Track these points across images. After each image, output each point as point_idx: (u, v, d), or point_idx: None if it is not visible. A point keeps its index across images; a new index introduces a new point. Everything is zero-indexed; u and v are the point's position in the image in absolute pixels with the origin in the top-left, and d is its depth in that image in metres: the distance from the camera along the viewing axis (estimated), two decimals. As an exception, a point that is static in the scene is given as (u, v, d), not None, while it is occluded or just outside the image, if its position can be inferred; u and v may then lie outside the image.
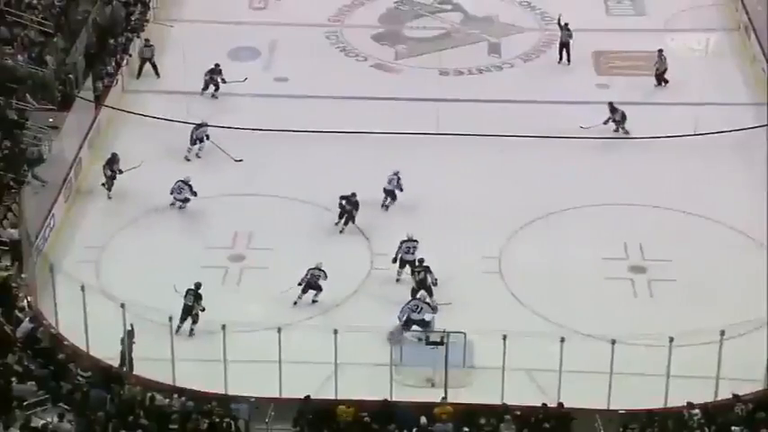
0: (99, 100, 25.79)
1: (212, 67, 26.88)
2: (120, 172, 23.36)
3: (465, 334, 18.97)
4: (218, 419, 17.09)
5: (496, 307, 20.32)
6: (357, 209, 22.44)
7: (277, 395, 18.20)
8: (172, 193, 22.99)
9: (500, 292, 20.87)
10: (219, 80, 26.88)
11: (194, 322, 19.76)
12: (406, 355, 18.75)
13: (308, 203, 23.62)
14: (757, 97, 27.01)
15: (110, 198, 23.39)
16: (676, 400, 17.66)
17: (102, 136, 25.60)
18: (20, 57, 25.92)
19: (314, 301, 20.30)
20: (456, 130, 25.44)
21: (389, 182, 22.96)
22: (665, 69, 27.25)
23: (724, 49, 28.81)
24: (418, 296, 19.69)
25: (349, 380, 18.43)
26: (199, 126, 24.80)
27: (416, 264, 20.61)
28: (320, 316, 20.28)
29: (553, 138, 25.17)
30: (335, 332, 18.07)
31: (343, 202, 22.43)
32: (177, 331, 19.20)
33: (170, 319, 18.21)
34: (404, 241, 21.13)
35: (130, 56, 27.82)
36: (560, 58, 28.30)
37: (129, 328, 18.64)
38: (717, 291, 20.75)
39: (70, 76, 26.01)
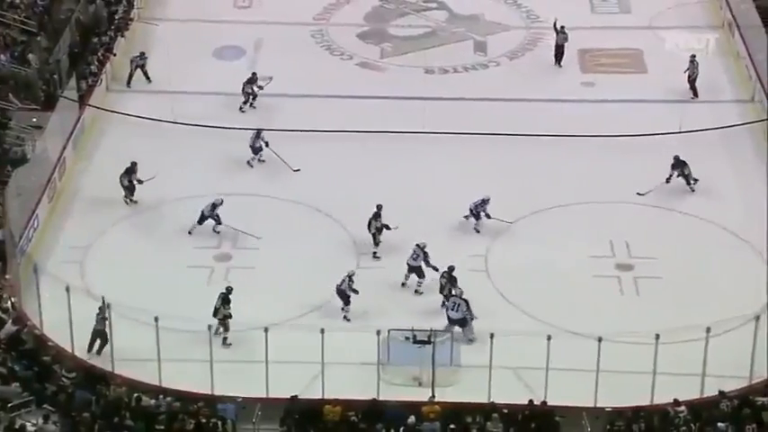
0: (83, 99, 25.68)
1: (249, 76, 26.38)
2: (140, 182, 22.89)
3: (452, 332, 19.00)
4: (204, 420, 17.09)
5: (483, 305, 20.35)
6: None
7: (264, 395, 18.20)
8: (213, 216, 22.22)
9: (487, 291, 20.91)
10: (255, 88, 26.38)
11: (224, 328, 19.40)
12: (394, 353, 18.77)
13: (294, 202, 23.61)
14: (741, 94, 27.16)
15: (135, 202, 22.98)
16: (663, 398, 17.75)
17: (87, 136, 25.52)
18: (2, 56, 25.80)
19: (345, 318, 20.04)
20: (442, 129, 25.47)
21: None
22: (696, 76, 26.75)
23: (709, 47, 28.93)
24: (455, 293, 19.65)
25: (336, 379, 18.45)
26: (257, 135, 24.15)
27: (446, 271, 20.40)
28: (306, 315, 20.27)
29: (539, 136, 25.22)
30: (322, 331, 18.08)
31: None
32: (216, 331, 19.19)
33: (156, 319, 18.17)
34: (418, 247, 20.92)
35: (114, 55, 27.73)
36: (557, 61, 28.12)
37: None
38: (703, 288, 20.86)
39: (54, 75, 25.92)
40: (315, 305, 20.59)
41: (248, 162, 24.06)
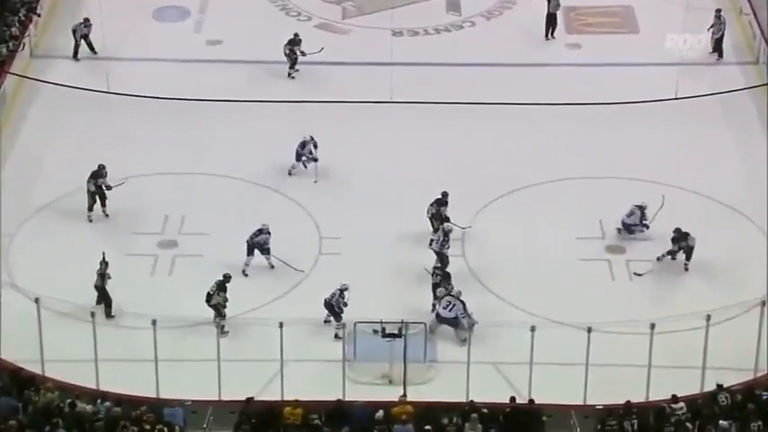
0: (3, 66, 25.38)
1: (291, 37, 26.17)
2: (108, 188, 22.20)
3: (425, 324, 19.04)
4: (148, 426, 17.02)
5: (461, 294, 20.38)
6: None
7: (216, 397, 18.16)
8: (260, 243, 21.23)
9: (464, 278, 20.93)
10: (299, 52, 26.18)
11: (220, 317, 19.41)
12: (360, 349, 18.78)
13: (247, 182, 23.53)
14: (744, 56, 27.34)
15: (107, 215, 22.24)
16: (659, 393, 17.89)
17: (8, 108, 25.23)
18: None
19: (325, 321, 19.85)
20: (411, 98, 25.45)
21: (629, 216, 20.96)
22: (723, 34, 26.73)
23: (707, 2, 29.05)
24: (453, 292, 19.67)
25: (296, 378, 18.41)
26: (303, 145, 23.37)
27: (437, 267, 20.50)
28: (264, 308, 20.23)
29: (519, 105, 25.26)
30: (281, 325, 18.03)
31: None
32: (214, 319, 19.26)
33: (92, 314, 18.04)
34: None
35: (38, 15, 27.39)
36: (547, 34, 28.01)
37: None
38: (702, 271, 21.02)
39: (-32, 40, 25.60)
40: (272, 296, 20.53)
41: (289, 171, 23.41)
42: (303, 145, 23.31)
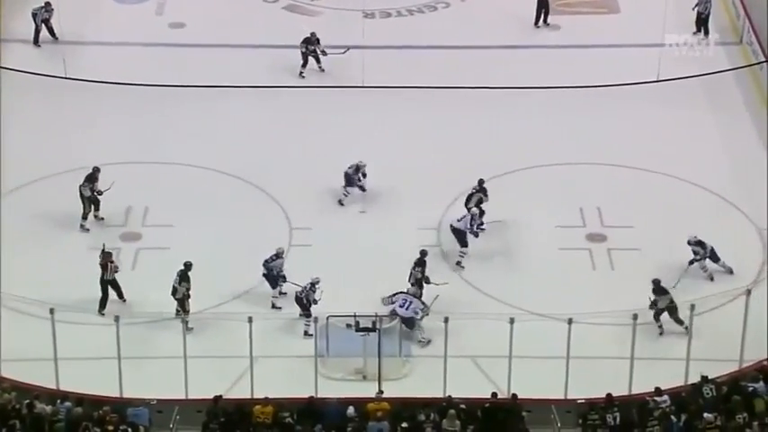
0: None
1: (307, 36, 25.71)
2: (100, 193, 21.80)
3: (400, 318, 19.04)
4: (111, 427, 16.95)
5: (436, 286, 20.40)
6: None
7: (182, 396, 18.08)
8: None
9: (440, 269, 20.95)
10: (319, 51, 25.75)
11: (184, 311, 19.32)
12: (333, 344, 18.77)
13: (213, 171, 23.43)
14: (728, 36, 27.47)
15: (101, 219, 21.89)
16: (642, 386, 17.97)
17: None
18: None
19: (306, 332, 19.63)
20: (383, 82, 25.42)
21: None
22: (709, 13, 26.89)
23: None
24: (407, 290, 19.61)
25: (267, 375, 18.36)
26: (357, 170, 22.46)
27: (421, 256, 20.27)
28: (231, 302, 20.17)
29: (494, 89, 25.28)
30: (250, 320, 17.99)
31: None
32: (177, 313, 19.21)
33: (51, 311, 17.92)
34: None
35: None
36: (538, 20, 27.97)
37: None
38: (686, 260, 21.10)
39: None
40: (240, 290, 20.48)
41: (339, 201, 22.62)
42: (357, 169, 22.37)
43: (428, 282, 20.00)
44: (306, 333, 19.24)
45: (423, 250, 20.24)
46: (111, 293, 19.86)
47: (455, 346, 18.07)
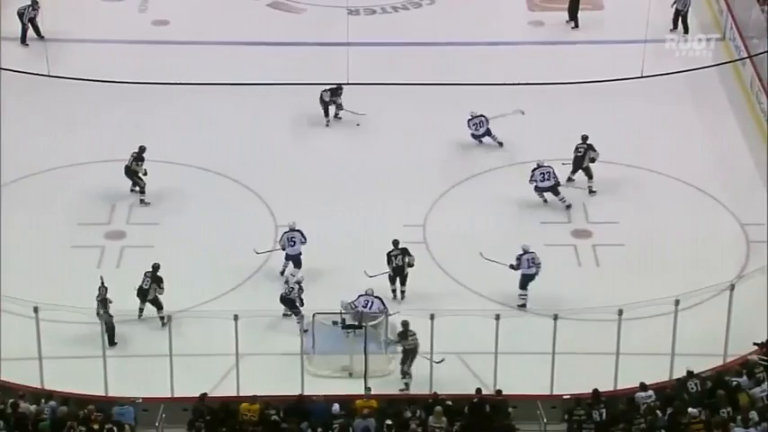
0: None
1: (335, 87, 24.73)
2: (145, 173, 22.20)
3: (386, 314, 19.07)
4: (97, 426, 16.90)
5: (422, 282, 20.43)
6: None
7: (168, 394, 18.07)
8: (283, 248, 20.53)
9: (426, 266, 20.98)
10: (338, 104, 24.73)
11: (159, 308, 19.41)
12: (319, 341, 18.77)
13: (197, 168, 23.41)
14: (710, 32, 27.54)
15: (147, 204, 22.21)
16: (627, 382, 18.04)
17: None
18: None
19: (284, 315, 19.64)
20: (368, 80, 25.40)
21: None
22: (688, 10, 27.01)
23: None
24: (367, 291, 19.52)
25: (253, 373, 18.35)
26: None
27: (394, 247, 20.34)
28: (217, 300, 20.15)
29: (479, 85, 25.29)
30: (236, 318, 17.99)
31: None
32: (140, 316, 19.22)
33: (35, 309, 17.88)
34: None
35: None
36: (572, 18, 27.90)
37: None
38: (671, 255, 21.22)
39: None
40: (226, 288, 20.45)
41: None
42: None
43: (411, 264, 20.08)
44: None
45: (395, 240, 20.25)
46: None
47: (441, 343, 18.08)
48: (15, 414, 17.05)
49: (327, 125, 24.68)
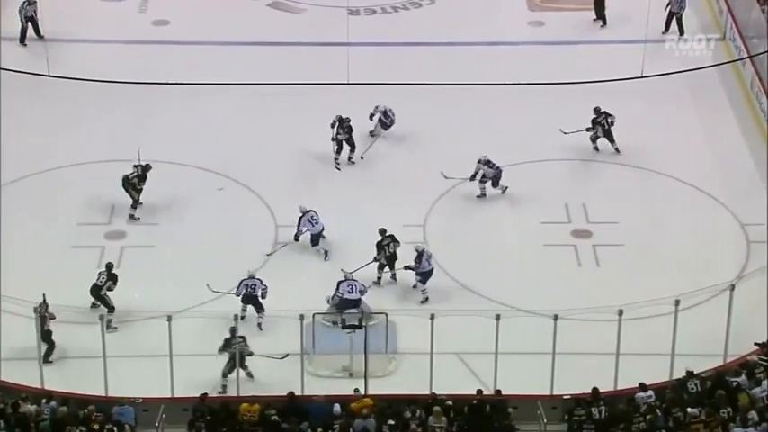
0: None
1: (341, 116, 23.46)
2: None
3: (387, 315, 19.08)
4: (97, 426, 16.91)
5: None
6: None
7: (168, 395, 18.08)
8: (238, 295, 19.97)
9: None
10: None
11: (110, 310, 19.37)
12: (319, 341, 18.79)
13: (197, 168, 23.41)
14: (710, 32, 27.55)
15: (136, 219, 21.91)
16: (627, 382, 18.06)
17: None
18: None
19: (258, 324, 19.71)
20: (368, 80, 25.41)
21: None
22: (683, 12, 26.99)
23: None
24: (346, 276, 19.64)
25: (253, 373, 18.47)
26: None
27: (383, 236, 20.51)
28: (217, 300, 20.16)
29: (479, 85, 25.31)
30: (236, 318, 17.99)
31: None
32: (92, 307, 19.26)
33: (35, 310, 17.89)
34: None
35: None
36: (598, 16, 27.94)
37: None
38: (671, 255, 21.23)
39: None
40: (226, 288, 20.46)
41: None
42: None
43: (395, 258, 20.31)
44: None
45: (382, 228, 20.43)
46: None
47: (441, 343, 18.09)
48: (16, 414, 17.06)
49: (337, 167, 23.47)
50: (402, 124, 24.56)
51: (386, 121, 24.03)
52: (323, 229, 21.17)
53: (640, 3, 26.11)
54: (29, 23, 26.76)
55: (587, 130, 23.79)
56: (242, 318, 19.28)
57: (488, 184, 22.49)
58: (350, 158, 23.60)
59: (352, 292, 19.44)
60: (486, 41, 27.33)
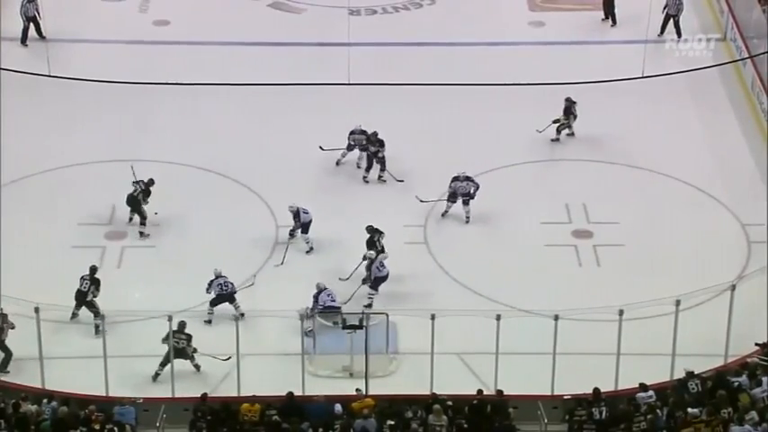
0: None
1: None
2: (155, 213, 21.83)
3: (387, 315, 19.09)
4: (98, 426, 16.91)
5: (422, 283, 20.45)
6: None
7: (169, 395, 18.10)
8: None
9: (426, 266, 21.03)
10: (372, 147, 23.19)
11: (96, 315, 19.26)
12: (320, 341, 18.80)
13: (198, 169, 23.42)
14: (711, 32, 27.56)
15: (146, 236, 21.60)
16: (628, 382, 18.07)
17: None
18: None
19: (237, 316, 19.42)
20: (369, 80, 25.42)
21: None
22: (680, 14, 26.99)
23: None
24: (319, 286, 19.50)
25: (253, 373, 18.40)
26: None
27: (372, 233, 20.55)
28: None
29: (480, 85, 25.31)
30: (236, 318, 17.99)
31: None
32: (72, 318, 19.22)
33: (36, 310, 17.90)
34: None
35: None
36: (607, 16, 27.99)
37: None
38: (672, 255, 21.23)
39: None
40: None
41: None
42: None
43: (383, 250, 20.27)
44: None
45: (369, 226, 20.47)
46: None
47: (442, 343, 18.10)
48: (16, 414, 17.07)
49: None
50: (402, 124, 24.55)
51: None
52: (311, 221, 21.11)
53: (641, 3, 26.15)
54: (30, 23, 26.75)
55: (555, 121, 23.80)
56: (209, 321, 19.38)
57: (459, 201, 21.92)
58: (380, 177, 23.12)
59: (334, 300, 19.37)
60: (487, 41, 27.33)
